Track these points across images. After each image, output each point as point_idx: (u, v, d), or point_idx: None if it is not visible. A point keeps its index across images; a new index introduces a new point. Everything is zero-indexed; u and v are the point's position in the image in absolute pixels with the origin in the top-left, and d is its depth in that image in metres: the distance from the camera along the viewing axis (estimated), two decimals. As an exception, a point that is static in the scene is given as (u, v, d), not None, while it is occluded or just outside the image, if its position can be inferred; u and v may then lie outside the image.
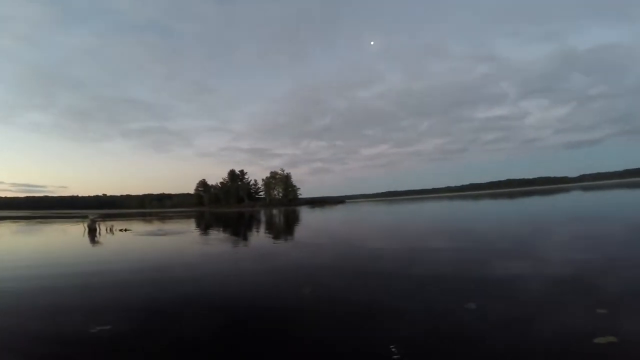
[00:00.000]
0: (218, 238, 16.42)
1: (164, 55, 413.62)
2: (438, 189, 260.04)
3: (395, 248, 10.36)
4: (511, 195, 68.70)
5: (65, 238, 19.29)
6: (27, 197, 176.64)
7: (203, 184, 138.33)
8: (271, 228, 22.45)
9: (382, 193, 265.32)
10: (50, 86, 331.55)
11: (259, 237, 16.99)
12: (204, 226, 26.19)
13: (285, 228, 21.99)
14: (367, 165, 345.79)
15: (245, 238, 16.46)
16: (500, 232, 13.18)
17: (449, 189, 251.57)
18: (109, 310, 4.95)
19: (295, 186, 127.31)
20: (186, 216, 51.62)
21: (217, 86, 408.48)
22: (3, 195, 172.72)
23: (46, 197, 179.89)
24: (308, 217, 35.13)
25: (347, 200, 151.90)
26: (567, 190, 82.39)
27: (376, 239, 13.73)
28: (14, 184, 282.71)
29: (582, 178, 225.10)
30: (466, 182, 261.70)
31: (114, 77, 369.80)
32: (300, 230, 19.91)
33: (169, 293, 5.95)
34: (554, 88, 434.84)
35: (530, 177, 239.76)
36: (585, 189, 79.07)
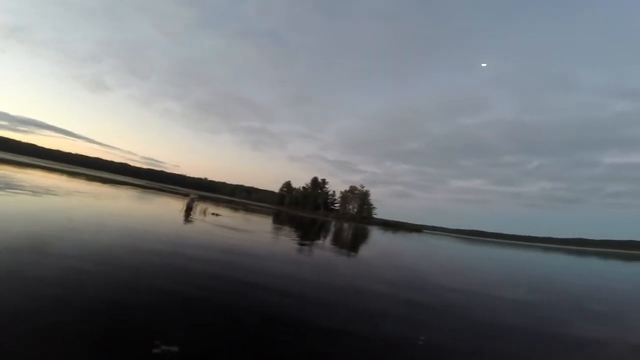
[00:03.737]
0: (295, 245, 16.85)
1: (277, 61, 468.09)
2: (534, 237, 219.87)
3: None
4: (628, 258, 53.54)
5: (164, 210, 22.49)
6: (148, 169, 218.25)
7: (287, 185, 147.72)
8: (339, 243, 22.08)
9: (466, 230, 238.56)
10: (186, 79, 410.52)
11: (325, 249, 16.81)
12: (282, 227, 27.52)
13: (355, 247, 21.33)
14: (455, 197, 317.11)
15: (311, 247, 16.50)
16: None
17: (549, 240, 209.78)
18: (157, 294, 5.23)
19: (371, 204, 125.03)
20: (267, 212, 55.61)
21: (315, 96, 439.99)
22: (132, 165, 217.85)
23: (162, 172, 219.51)
24: (380, 240, 33.56)
25: (424, 231, 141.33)
26: None
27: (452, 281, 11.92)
28: (143, 157, 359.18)
29: None
30: (572, 235, 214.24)
31: (233, 78, 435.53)
32: (369, 253, 18.98)
33: (228, 290, 6.05)
34: None
35: None
36: None
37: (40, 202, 13.40)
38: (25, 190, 16.48)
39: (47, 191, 18.47)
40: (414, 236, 64.86)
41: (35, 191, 16.94)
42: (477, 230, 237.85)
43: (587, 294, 12.71)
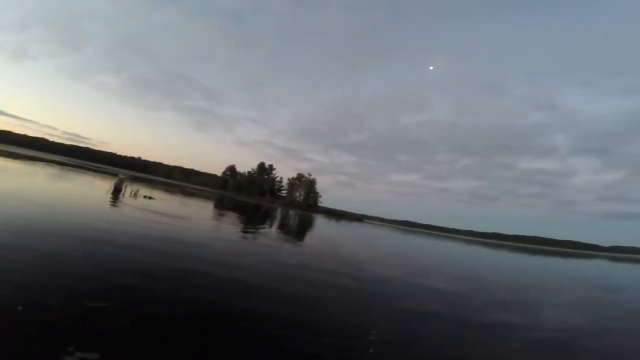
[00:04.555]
0: (237, 235, 16.08)
1: (233, 44, 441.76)
2: (459, 230, 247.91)
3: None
4: (532, 252, 64.28)
5: (87, 192, 19.71)
6: (70, 145, 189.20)
7: (231, 169, 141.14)
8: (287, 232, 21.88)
9: (400, 221, 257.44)
10: (128, 54, 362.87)
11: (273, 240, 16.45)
12: (224, 213, 26.21)
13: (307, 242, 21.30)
14: (393, 190, 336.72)
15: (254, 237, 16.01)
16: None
17: (470, 233, 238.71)
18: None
19: (317, 193, 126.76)
20: (208, 197, 52.52)
21: (269, 81, 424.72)
22: (52, 140, 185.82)
23: (87, 149, 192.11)
24: (326, 229, 34.25)
25: (364, 220, 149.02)
26: (591, 257, 77.00)
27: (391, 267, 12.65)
28: (65, 132, 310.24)
29: (615, 249, 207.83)
30: (490, 230, 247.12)
31: (184, 56, 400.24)
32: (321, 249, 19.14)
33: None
34: (612, 150, 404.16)
35: (559, 238, 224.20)
36: (613, 260, 72.67)
37: None
38: None
39: None
40: (356, 225, 67.87)
41: None
42: (410, 222, 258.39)
43: (497, 283, 14.62)
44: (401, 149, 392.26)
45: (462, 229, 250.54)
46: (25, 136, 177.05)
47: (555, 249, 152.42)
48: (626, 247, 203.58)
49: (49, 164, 44.51)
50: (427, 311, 6.87)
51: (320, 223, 43.25)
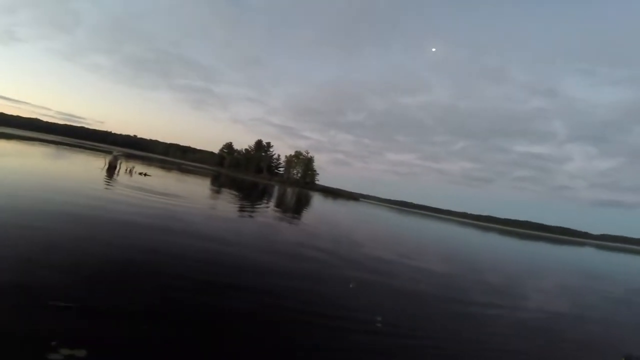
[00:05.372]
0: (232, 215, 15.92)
1: (228, 23, 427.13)
2: (452, 212, 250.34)
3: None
4: (522, 236, 65.41)
5: (80, 170, 19.23)
6: (65, 125, 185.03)
7: (228, 146, 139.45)
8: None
9: (396, 201, 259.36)
10: (120, 34, 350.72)
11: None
12: (221, 190, 26.02)
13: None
14: (389, 169, 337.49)
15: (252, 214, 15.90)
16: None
17: (464, 215, 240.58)
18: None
19: (315, 170, 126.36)
20: (204, 174, 52.14)
21: (266, 60, 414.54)
22: (46, 120, 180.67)
23: (82, 128, 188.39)
24: (324, 209, 34.33)
25: (360, 199, 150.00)
26: (580, 244, 78.89)
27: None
28: (59, 112, 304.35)
29: (603, 237, 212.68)
30: (483, 212, 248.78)
31: (178, 36, 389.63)
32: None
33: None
34: (609, 138, 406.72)
35: (549, 224, 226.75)
36: (600, 248, 74.25)
37: None
38: None
39: None
40: (352, 204, 68.32)
41: None
42: (405, 202, 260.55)
43: (484, 266, 14.63)
44: (399, 129, 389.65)
45: (456, 210, 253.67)
46: (18, 117, 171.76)
47: (545, 234, 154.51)
48: (615, 235, 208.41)
49: (44, 143, 43.47)
50: (413, 288, 6.97)
51: (318, 201, 43.40)
